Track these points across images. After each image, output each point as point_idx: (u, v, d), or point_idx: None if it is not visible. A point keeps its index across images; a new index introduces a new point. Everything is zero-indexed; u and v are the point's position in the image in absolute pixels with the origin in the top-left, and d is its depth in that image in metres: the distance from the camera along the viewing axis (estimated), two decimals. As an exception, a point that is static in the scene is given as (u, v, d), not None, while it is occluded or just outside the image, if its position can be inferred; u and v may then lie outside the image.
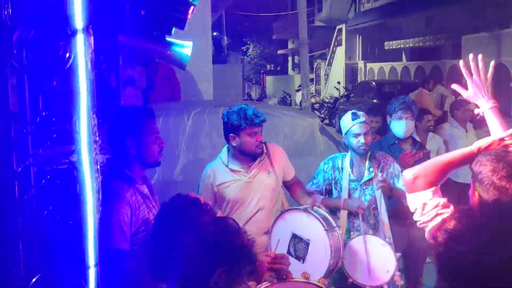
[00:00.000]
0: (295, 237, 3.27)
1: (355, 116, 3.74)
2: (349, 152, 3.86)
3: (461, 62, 2.33)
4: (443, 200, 2.04)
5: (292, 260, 2.98)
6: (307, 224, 3.26)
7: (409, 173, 2.08)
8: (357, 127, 3.72)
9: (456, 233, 1.00)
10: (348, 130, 3.76)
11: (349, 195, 3.80)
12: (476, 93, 2.30)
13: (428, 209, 2.00)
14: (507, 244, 0.95)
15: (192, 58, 9.00)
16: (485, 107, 2.29)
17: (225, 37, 25.14)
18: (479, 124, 6.19)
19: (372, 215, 3.78)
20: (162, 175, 4.77)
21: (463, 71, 2.31)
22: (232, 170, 3.49)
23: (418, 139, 4.80)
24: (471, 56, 2.29)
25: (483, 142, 2.07)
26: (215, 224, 1.78)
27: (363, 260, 3.52)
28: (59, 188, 1.56)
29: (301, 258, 3.20)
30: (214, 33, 25.03)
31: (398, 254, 3.50)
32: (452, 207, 2.03)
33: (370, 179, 3.78)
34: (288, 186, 3.75)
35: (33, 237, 1.64)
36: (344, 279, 3.55)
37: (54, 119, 1.54)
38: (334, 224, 3.27)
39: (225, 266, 1.61)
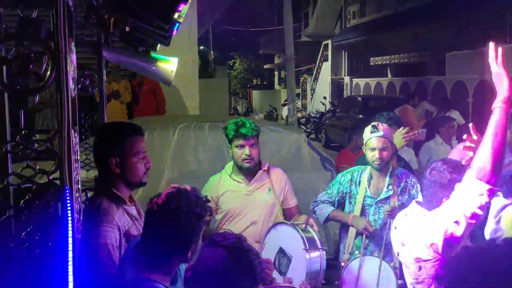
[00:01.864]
0: (281, 251, 3.26)
1: (374, 129, 3.59)
2: (369, 166, 3.71)
3: (491, 44, 2.12)
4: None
5: (274, 273, 2.95)
6: (293, 240, 3.23)
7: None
8: (374, 141, 3.57)
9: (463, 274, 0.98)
10: (366, 142, 3.63)
11: (363, 211, 3.66)
12: (496, 82, 2.13)
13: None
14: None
15: (178, 73, 9.00)
16: (494, 104, 2.13)
17: (212, 52, 25.19)
18: (461, 139, 6.23)
19: (385, 235, 3.54)
20: (146, 190, 4.72)
21: (492, 54, 2.12)
22: (234, 180, 3.57)
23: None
24: (492, 45, 2.12)
25: None
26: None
27: (360, 282, 3.47)
28: (39, 208, 1.53)
29: (282, 273, 3.18)
30: (201, 47, 25.08)
31: (401, 281, 3.31)
32: None
33: (388, 197, 3.64)
34: (289, 216, 3.61)
35: (11, 257, 1.60)
36: None
37: (34, 137, 1.50)
38: (319, 246, 3.18)
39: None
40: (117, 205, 2.42)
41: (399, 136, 3.88)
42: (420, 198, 2.53)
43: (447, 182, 2.30)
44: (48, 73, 1.46)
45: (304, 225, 3.28)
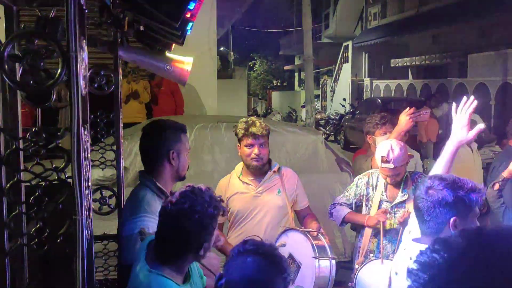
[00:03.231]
0: (290, 257, 3.22)
1: (384, 160, 3.54)
2: None
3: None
4: None
5: None
6: (302, 247, 3.21)
7: None
8: (386, 170, 3.57)
9: (430, 266, 0.95)
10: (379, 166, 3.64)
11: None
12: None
13: None
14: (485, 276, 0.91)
15: (197, 73, 9.05)
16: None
17: (232, 52, 25.25)
18: (481, 142, 6.17)
19: (400, 238, 3.58)
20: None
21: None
22: (242, 182, 3.55)
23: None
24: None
25: None
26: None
27: (374, 285, 3.42)
28: (48, 205, 1.54)
29: (292, 279, 3.14)
30: (221, 48, 25.16)
31: None
32: None
33: (403, 202, 3.62)
34: (301, 218, 3.68)
35: (22, 254, 1.62)
36: None
37: (44, 135, 1.51)
38: (329, 255, 3.16)
39: None
40: (159, 197, 2.59)
41: (405, 117, 3.87)
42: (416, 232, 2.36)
43: (452, 200, 2.11)
44: (59, 70, 1.48)
45: (315, 233, 3.26)
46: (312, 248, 3.13)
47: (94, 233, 3.30)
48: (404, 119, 3.85)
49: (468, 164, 6.18)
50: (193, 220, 2.00)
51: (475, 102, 2.58)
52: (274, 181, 3.55)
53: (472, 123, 6.84)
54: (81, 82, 1.53)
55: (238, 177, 3.56)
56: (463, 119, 2.60)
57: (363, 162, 4.28)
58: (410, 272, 0.97)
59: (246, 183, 3.53)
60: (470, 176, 6.68)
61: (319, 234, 3.25)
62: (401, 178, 3.65)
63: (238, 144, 3.53)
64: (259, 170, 3.50)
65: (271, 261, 1.76)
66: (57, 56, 1.46)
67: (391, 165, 3.49)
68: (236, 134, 3.50)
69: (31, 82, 1.50)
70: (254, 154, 3.42)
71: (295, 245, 3.24)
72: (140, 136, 2.81)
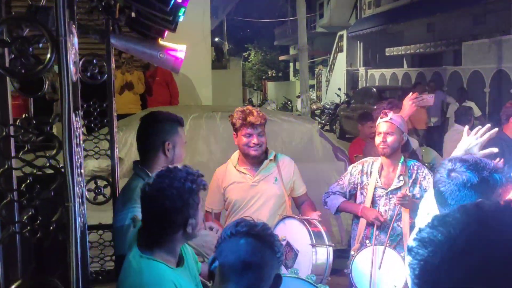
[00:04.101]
0: (288, 245, 3.21)
1: (383, 115, 3.64)
2: (380, 157, 3.70)
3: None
4: None
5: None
6: (299, 235, 3.19)
7: None
8: (381, 125, 3.61)
9: (430, 243, 0.95)
10: (376, 129, 3.67)
11: (374, 202, 3.65)
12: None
13: None
14: (483, 251, 0.90)
15: (191, 63, 8.98)
16: None
17: (226, 43, 25.14)
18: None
19: (395, 226, 3.57)
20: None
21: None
22: (239, 171, 3.52)
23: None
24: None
25: None
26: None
27: (369, 271, 3.43)
28: (40, 192, 1.52)
29: (288, 267, 3.11)
30: (216, 39, 25.05)
31: None
32: None
33: (398, 188, 3.61)
34: (298, 204, 3.68)
35: (14, 242, 1.60)
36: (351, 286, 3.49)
37: (34, 122, 1.49)
38: (327, 242, 3.15)
39: None
40: None
41: (408, 101, 3.91)
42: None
43: (477, 182, 2.00)
44: (48, 55, 1.45)
45: (313, 221, 3.25)
46: (309, 236, 3.12)
47: (89, 223, 3.30)
48: (408, 104, 3.91)
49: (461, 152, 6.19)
50: (172, 196, 2.01)
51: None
52: (271, 170, 3.53)
53: (469, 110, 6.87)
54: (71, 68, 1.51)
55: (235, 167, 3.53)
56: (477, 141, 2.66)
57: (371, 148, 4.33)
58: (409, 249, 0.96)
59: (243, 172, 3.51)
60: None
61: (316, 222, 3.25)
62: (397, 161, 3.64)
63: (235, 133, 3.49)
64: (257, 159, 3.48)
65: (264, 242, 1.74)
66: (46, 41, 1.43)
67: (386, 118, 3.57)
68: (233, 124, 3.46)
69: (20, 68, 1.48)
70: (253, 143, 3.40)
71: (292, 232, 3.24)
72: (138, 127, 2.81)
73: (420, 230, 0.97)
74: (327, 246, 3.13)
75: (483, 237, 0.91)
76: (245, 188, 3.49)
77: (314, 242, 3.09)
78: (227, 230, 1.79)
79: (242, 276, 1.69)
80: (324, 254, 3.12)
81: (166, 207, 2.02)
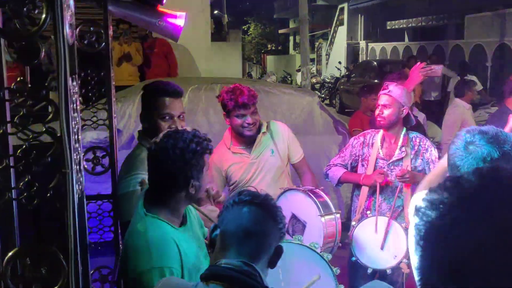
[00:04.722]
0: (294, 217, 3.19)
1: (384, 87, 3.62)
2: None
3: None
4: None
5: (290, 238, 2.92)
6: (305, 206, 3.15)
7: None
8: (381, 97, 3.60)
9: (441, 204, 0.90)
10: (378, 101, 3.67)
11: None
12: None
13: None
14: (499, 217, 0.86)
15: (190, 35, 8.88)
16: None
17: (226, 16, 24.86)
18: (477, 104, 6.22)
19: (396, 197, 3.55)
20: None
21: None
22: (234, 152, 3.45)
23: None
24: None
25: None
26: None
27: (370, 241, 3.43)
28: (37, 158, 1.48)
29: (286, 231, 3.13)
30: (215, 12, 24.75)
31: None
32: None
33: (400, 159, 3.59)
34: (297, 171, 3.63)
35: (11, 209, 1.57)
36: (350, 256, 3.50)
37: (30, 85, 1.45)
38: (333, 210, 3.13)
39: None
40: None
41: (416, 71, 3.92)
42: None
43: (498, 156, 1.82)
44: (43, 16, 1.40)
45: (316, 190, 3.23)
46: (316, 206, 3.08)
47: (88, 194, 3.29)
48: (415, 73, 3.92)
49: (469, 124, 6.15)
50: (174, 156, 2.05)
51: None
52: (266, 143, 3.46)
53: (470, 84, 6.81)
54: (67, 30, 1.46)
55: (229, 149, 3.46)
56: None
57: None
58: (417, 210, 0.92)
59: (239, 153, 3.45)
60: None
61: (320, 191, 3.21)
62: (399, 132, 3.62)
63: (225, 113, 3.37)
64: (252, 138, 3.41)
65: (266, 211, 1.72)
66: (41, 1, 1.38)
67: (386, 91, 3.56)
68: (224, 106, 3.33)
69: (15, 29, 1.43)
70: (247, 123, 3.30)
71: (297, 204, 3.20)
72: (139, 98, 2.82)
73: (430, 190, 0.93)
74: (335, 213, 3.12)
75: (500, 201, 0.86)
76: (245, 167, 3.43)
77: (322, 213, 3.07)
78: (230, 199, 1.77)
79: (243, 244, 1.67)
80: (332, 221, 3.10)
81: (169, 165, 2.06)
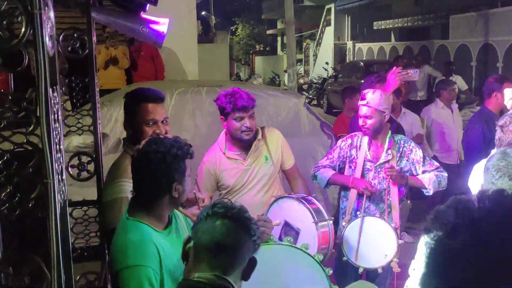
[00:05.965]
0: (287, 224, 3.17)
1: (362, 97, 3.66)
2: None
3: None
4: None
5: None
6: (298, 213, 3.16)
7: None
8: (361, 108, 3.65)
9: (450, 227, 0.92)
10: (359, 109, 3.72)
11: (363, 175, 3.70)
12: None
13: None
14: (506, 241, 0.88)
15: (177, 37, 8.82)
16: None
17: (213, 17, 24.85)
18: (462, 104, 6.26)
19: (384, 199, 3.64)
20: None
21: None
22: (229, 158, 3.43)
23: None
24: None
25: None
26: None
27: (360, 241, 3.46)
28: (19, 169, 1.50)
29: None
30: (202, 13, 24.75)
31: (401, 241, 3.40)
32: None
33: (387, 162, 3.65)
34: (288, 177, 3.64)
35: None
36: (342, 256, 3.52)
37: (10, 97, 1.46)
38: (326, 217, 3.14)
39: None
40: None
41: (392, 76, 3.94)
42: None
43: None
44: (23, 29, 1.41)
45: (308, 197, 3.24)
46: (310, 213, 3.09)
47: (73, 200, 3.28)
48: (392, 78, 3.94)
49: (448, 125, 6.24)
50: (156, 159, 2.10)
51: None
52: (260, 149, 3.46)
53: (453, 85, 6.87)
54: (48, 42, 1.47)
55: (224, 153, 3.44)
56: None
57: None
58: (427, 229, 0.93)
59: (234, 158, 3.43)
60: (450, 136, 6.76)
61: (312, 198, 3.23)
62: (385, 136, 3.68)
63: (223, 117, 3.37)
64: (249, 142, 3.40)
65: (239, 224, 1.74)
66: (21, 15, 1.39)
67: (364, 101, 3.61)
68: (223, 108, 3.33)
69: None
70: (245, 127, 3.30)
71: (290, 211, 3.20)
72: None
73: (439, 211, 0.95)
74: (328, 220, 3.13)
75: (507, 228, 0.89)
76: (239, 173, 3.43)
77: (317, 219, 3.07)
78: (204, 211, 1.79)
79: (216, 257, 1.69)
80: (326, 228, 3.11)
81: (151, 169, 2.11)
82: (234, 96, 3.29)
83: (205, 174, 3.46)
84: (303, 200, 3.19)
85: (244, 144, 3.40)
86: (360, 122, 3.65)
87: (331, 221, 3.15)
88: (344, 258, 3.47)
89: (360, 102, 3.65)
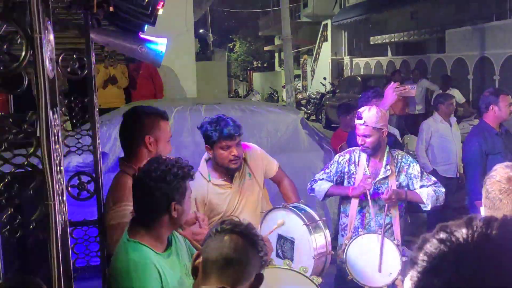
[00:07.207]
0: (280, 237, 3.12)
1: (358, 116, 3.64)
2: None
3: None
4: None
5: (281, 261, 2.90)
6: (288, 222, 3.09)
7: None
8: (358, 127, 3.64)
9: (436, 257, 0.89)
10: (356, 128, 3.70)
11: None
12: None
13: None
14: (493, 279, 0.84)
15: (175, 56, 8.89)
16: None
17: (211, 34, 25.01)
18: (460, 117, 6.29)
19: (385, 215, 3.58)
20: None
21: None
22: (215, 185, 3.29)
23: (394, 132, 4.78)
24: None
25: None
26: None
27: (365, 259, 3.44)
28: (19, 191, 1.51)
29: (289, 258, 3.00)
30: (200, 31, 24.91)
31: (405, 258, 3.35)
32: None
33: (386, 178, 3.65)
34: (276, 181, 3.55)
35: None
36: (345, 275, 3.49)
37: (11, 120, 1.48)
38: (317, 218, 3.08)
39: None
40: None
41: (390, 91, 3.98)
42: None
43: None
44: (23, 53, 1.43)
45: (295, 203, 3.20)
46: (300, 218, 3.03)
47: (74, 219, 3.28)
48: (389, 93, 3.97)
49: (447, 138, 6.26)
50: (156, 178, 2.11)
51: None
52: (243, 168, 3.33)
53: (451, 98, 6.91)
54: (48, 65, 1.49)
55: (209, 181, 3.28)
56: None
57: None
58: (413, 262, 0.91)
59: (220, 185, 3.29)
60: (449, 150, 6.77)
61: (299, 204, 3.18)
62: (383, 151, 3.68)
63: (208, 146, 3.21)
64: (237, 171, 3.26)
65: (247, 240, 1.76)
66: (21, 38, 1.41)
67: (361, 121, 3.59)
68: (208, 137, 3.17)
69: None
70: (232, 155, 3.15)
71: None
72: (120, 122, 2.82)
73: (424, 241, 0.92)
74: (320, 221, 3.07)
75: (492, 263, 0.86)
76: (229, 197, 3.30)
77: (307, 222, 3.01)
78: (213, 228, 1.81)
79: (224, 272, 1.71)
80: (320, 230, 3.06)
81: (151, 187, 2.11)
82: (220, 124, 3.13)
83: (194, 202, 3.26)
84: (290, 207, 3.14)
85: (231, 172, 3.27)
86: (359, 141, 3.63)
87: (324, 222, 3.09)
88: (349, 277, 3.44)
89: (357, 121, 3.63)
